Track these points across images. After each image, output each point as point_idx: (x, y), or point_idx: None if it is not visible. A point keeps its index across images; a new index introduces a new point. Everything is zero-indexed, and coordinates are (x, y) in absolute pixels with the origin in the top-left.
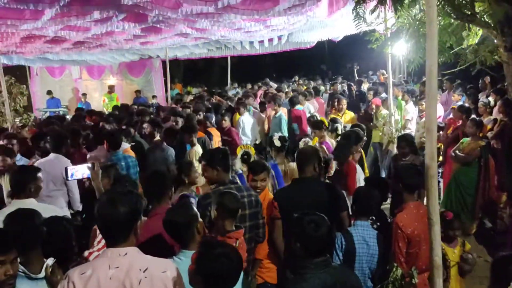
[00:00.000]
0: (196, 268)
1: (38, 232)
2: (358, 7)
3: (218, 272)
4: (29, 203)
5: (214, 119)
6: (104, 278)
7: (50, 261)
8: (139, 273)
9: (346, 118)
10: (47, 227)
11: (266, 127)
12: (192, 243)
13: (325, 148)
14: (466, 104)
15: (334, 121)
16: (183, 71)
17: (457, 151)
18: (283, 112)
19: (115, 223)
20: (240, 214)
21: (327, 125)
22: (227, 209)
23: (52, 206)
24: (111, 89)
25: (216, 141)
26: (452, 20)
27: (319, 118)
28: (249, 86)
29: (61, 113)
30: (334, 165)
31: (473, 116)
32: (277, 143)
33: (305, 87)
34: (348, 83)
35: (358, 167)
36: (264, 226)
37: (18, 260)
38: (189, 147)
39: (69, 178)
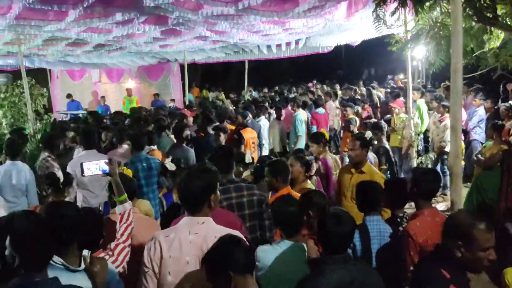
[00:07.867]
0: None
1: (75, 225)
2: (378, 9)
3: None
4: None
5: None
6: (185, 241)
7: (86, 252)
8: (214, 240)
9: None
10: (82, 217)
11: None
12: (297, 236)
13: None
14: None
15: (377, 127)
16: (201, 75)
17: (479, 155)
18: (302, 114)
19: (192, 195)
20: (240, 214)
21: (327, 139)
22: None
23: None
24: (129, 92)
25: (249, 142)
26: (474, 23)
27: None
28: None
29: (80, 115)
30: (315, 166)
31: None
32: (171, 167)
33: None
34: (368, 87)
35: None
36: (271, 228)
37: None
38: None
39: (84, 174)
